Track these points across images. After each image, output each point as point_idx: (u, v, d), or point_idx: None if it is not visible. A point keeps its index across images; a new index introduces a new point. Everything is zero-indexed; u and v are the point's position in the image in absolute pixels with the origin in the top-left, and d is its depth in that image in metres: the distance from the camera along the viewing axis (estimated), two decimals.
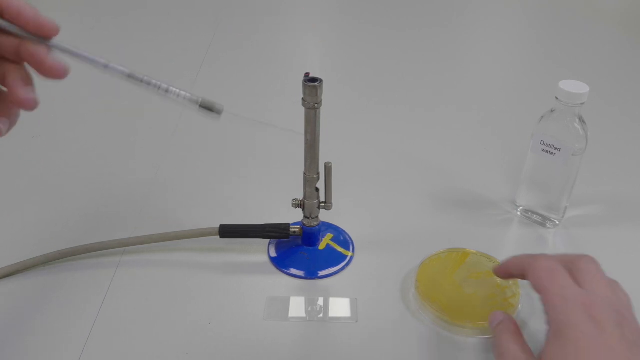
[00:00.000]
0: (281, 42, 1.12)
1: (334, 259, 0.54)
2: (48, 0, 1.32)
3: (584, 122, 0.54)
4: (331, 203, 0.53)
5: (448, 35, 1.17)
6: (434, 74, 0.98)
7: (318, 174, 0.51)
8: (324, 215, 0.55)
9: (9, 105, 0.38)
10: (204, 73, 0.95)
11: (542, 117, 0.55)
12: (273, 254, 0.55)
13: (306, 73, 0.46)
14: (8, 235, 0.57)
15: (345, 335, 0.46)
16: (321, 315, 0.48)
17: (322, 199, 0.53)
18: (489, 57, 1.09)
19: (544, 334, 0.37)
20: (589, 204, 0.63)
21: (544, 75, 0.99)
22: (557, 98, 0.53)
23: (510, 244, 0.58)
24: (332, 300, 0.50)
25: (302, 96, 0.46)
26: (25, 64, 0.38)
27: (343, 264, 0.54)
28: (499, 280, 0.49)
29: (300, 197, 0.53)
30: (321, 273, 0.53)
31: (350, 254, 0.55)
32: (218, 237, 0.54)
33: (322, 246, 0.56)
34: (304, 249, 0.55)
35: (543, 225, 0.59)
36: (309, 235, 0.55)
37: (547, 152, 0.55)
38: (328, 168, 0.50)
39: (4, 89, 0.37)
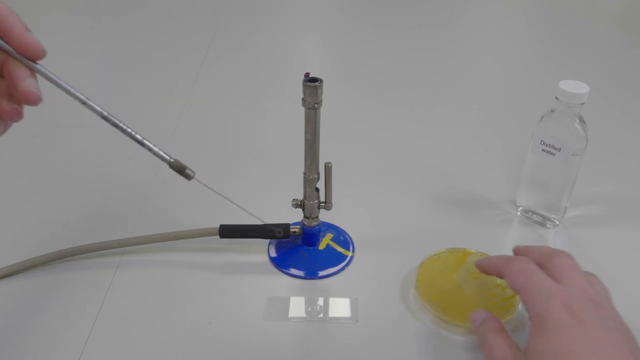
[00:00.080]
0: (281, 42, 1.12)
1: (334, 259, 0.54)
2: (48, 1, 1.32)
3: (584, 122, 0.54)
4: (331, 203, 0.53)
5: (448, 35, 1.17)
6: (434, 74, 0.98)
7: (318, 174, 0.51)
8: (324, 215, 0.55)
9: (3, 112, 0.38)
10: (204, 73, 0.95)
11: (542, 117, 0.55)
12: (273, 254, 0.55)
13: (306, 73, 0.46)
14: (8, 235, 0.57)
15: (345, 335, 0.46)
16: (321, 315, 0.48)
17: (322, 199, 0.53)
18: (489, 57, 1.09)
19: None
20: (589, 204, 0.63)
21: (544, 75, 0.99)
22: (557, 98, 0.53)
23: (510, 244, 0.58)
24: (332, 300, 0.50)
25: (302, 96, 0.46)
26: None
27: (343, 264, 0.54)
28: (499, 280, 0.49)
29: (300, 197, 0.53)
30: (321, 273, 0.53)
31: (350, 254, 0.55)
32: (218, 237, 0.54)
33: (322, 246, 0.56)
34: (304, 249, 0.55)
35: (543, 225, 0.59)
36: (309, 235, 0.55)
37: (547, 152, 0.55)
38: (328, 168, 0.50)
39: None
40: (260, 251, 0.55)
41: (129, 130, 0.41)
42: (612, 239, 0.58)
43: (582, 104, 0.52)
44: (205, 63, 0.99)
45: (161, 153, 0.42)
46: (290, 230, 0.54)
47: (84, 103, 0.39)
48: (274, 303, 0.49)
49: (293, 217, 0.56)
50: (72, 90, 0.39)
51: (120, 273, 0.53)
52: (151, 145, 0.41)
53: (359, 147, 0.74)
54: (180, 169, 0.42)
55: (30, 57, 0.36)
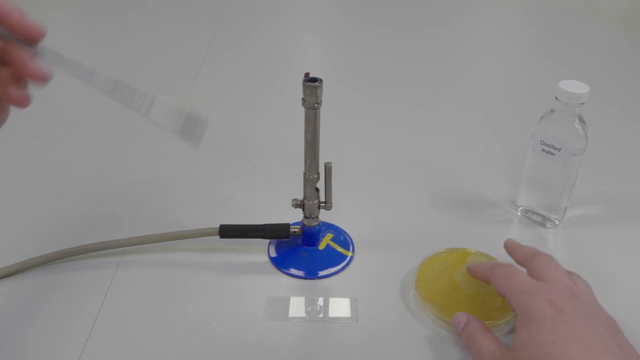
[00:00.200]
0: (281, 42, 1.12)
1: (334, 259, 0.54)
2: (48, 1, 1.32)
3: (584, 122, 0.54)
4: (331, 203, 0.53)
5: (448, 35, 1.17)
6: (434, 74, 0.98)
7: (318, 174, 0.51)
8: (324, 215, 0.55)
9: None
10: (204, 73, 0.95)
11: (542, 117, 0.55)
12: (273, 254, 0.55)
13: (306, 73, 0.46)
14: (7, 235, 0.57)
15: (345, 335, 0.46)
16: (321, 315, 0.48)
17: (322, 199, 0.53)
18: (489, 57, 1.09)
19: None
20: (589, 204, 0.63)
21: (544, 75, 0.99)
22: (557, 98, 0.53)
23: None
24: (332, 300, 0.50)
25: (302, 96, 0.46)
26: None
27: (343, 264, 0.54)
28: None
29: (300, 197, 0.53)
30: (321, 273, 0.53)
31: (350, 254, 0.55)
32: (218, 237, 0.54)
33: (322, 246, 0.56)
34: (304, 249, 0.55)
35: (543, 225, 0.59)
36: (309, 235, 0.55)
37: (547, 152, 0.55)
38: (328, 168, 0.50)
39: None
40: (260, 251, 0.55)
41: (137, 95, 0.39)
42: (612, 239, 0.58)
43: (582, 104, 0.52)
44: (205, 63, 0.99)
45: (166, 125, 0.40)
46: (290, 230, 0.54)
47: (89, 78, 0.38)
48: (274, 303, 0.49)
49: (293, 217, 0.56)
50: (76, 64, 0.38)
51: (120, 273, 0.53)
52: (156, 117, 0.40)
53: (359, 147, 0.74)
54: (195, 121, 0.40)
55: (32, 37, 0.37)
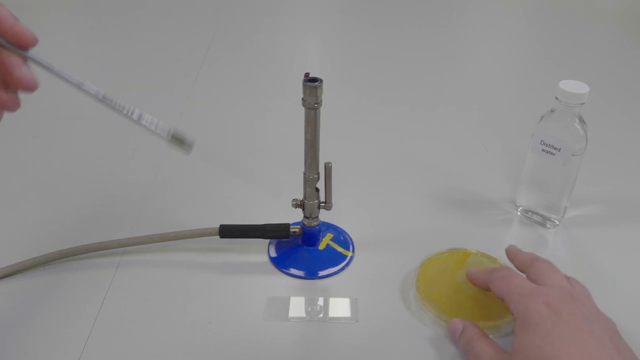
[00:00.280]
0: (281, 42, 1.12)
1: (334, 259, 0.54)
2: (48, 1, 1.32)
3: (584, 122, 0.54)
4: (331, 203, 0.53)
5: (448, 35, 1.17)
6: (434, 74, 0.98)
7: (318, 174, 0.51)
8: (324, 215, 0.55)
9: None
10: (204, 73, 0.95)
11: (542, 117, 0.55)
12: (273, 254, 0.55)
13: (306, 73, 0.46)
14: (6, 234, 0.57)
15: (345, 335, 0.46)
16: (321, 315, 0.48)
17: (322, 199, 0.53)
18: (489, 57, 1.09)
19: None
20: (589, 204, 0.63)
21: (544, 75, 0.99)
22: (557, 98, 0.53)
23: (510, 244, 0.58)
24: (332, 300, 0.50)
25: (302, 96, 0.46)
26: None
27: (343, 264, 0.54)
28: None
29: (300, 197, 0.53)
30: (321, 273, 0.53)
31: (350, 254, 0.55)
32: (218, 237, 0.54)
33: (322, 246, 0.56)
34: (304, 249, 0.55)
35: (543, 225, 0.59)
36: (309, 235, 0.55)
37: (547, 152, 0.55)
38: (328, 168, 0.50)
39: None
40: (260, 251, 0.55)
41: (126, 110, 0.40)
42: (612, 239, 0.58)
43: (582, 104, 0.52)
44: (205, 63, 0.99)
45: (158, 131, 0.41)
46: (290, 230, 0.54)
47: (79, 87, 0.39)
48: (274, 303, 0.49)
49: (293, 217, 0.56)
50: (66, 75, 0.38)
51: (120, 273, 0.53)
52: (147, 124, 0.41)
53: (359, 147, 0.74)
54: (179, 142, 0.41)
55: (23, 44, 0.37)
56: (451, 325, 0.45)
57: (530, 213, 0.60)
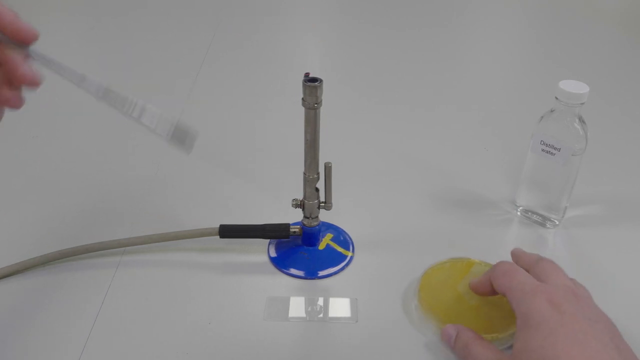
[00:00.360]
0: (281, 42, 1.12)
1: (333, 259, 0.54)
2: (48, 1, 1.32)
3: (583, 122, 0.54)
4: (331, 203, 0.53)
5: (448, 35, 1.17)
6: (434, 74, 0.98)
7: (318, 174, 0.51)
8: (324, 215, 0.55)
9: None
10: (204, 73, 0.95)
11: (542, 117, 0.55)
12: (273, 254, 0.55)
13: (306, 73, 0.46)
14: (6, 234, 0.57)
15: (345, 335, 0.46)
16: (321, 315, 0.48)
17: (322, 199, 0.53)
18: (489, 57, 1.09)
19: None
20: (589, 204, 0.63)
21: (544, 75, 0.99)
22: (557, 98, 0.53)
23: (510, 244, 0.58)
24: (332, 300, 0.50)
25: (302, 96, 0.46)
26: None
27: (343, 264, 0.54)
28: None
29: (300, 197, 0.53)
30: (321, 273, 0.53)
31: (350, 254, 0.55)
32: (218, 237, 0.54)
33: (322, 246, 0.56)
34: (304, 249, 0.55)
35: (543, 225, 0.59)
36: (309, 235, 0.55)
37: (547, 152, 0.55)
38: (328, 168, 0.50)
39: None
40: (260, 251, 0.55)
41: (127, 105, 0.40)
42: (612, 239, 0.58)
43: (582, 104, 0.52)
44: (205, 63, 0.99)
45: (158, 131, 0.41)
46: (290, 230, 0.54)
47: (80, 82, 0.39)
48: (274, 303, 0.49)
49: (293, 217, 0.56)
50: (68, 71, 0.38)
51: (120, 273, 0.53)
52: (147, 123, 0.40)
53: (359, 147, 0.74)
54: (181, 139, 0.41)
55: (24, 40, 0.37)
56: (444, 332, 0.44)
57: (530, 213, 0.60)
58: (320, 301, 0.50)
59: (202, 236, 0.54)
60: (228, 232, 0.54)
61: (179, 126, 0.41)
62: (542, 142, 0.55)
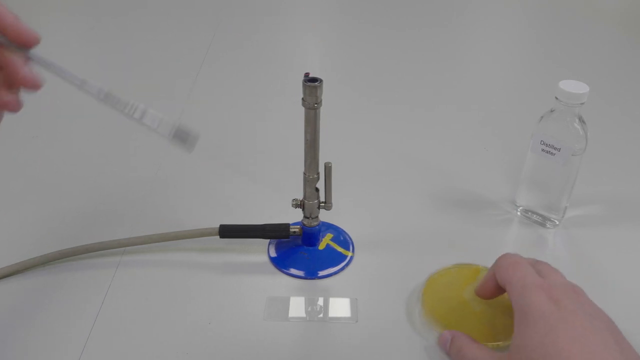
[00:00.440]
0: (281, 42, 1.12)
1: (333, 259, 0.54)
2: (48, 1, 1.32)
3: (583, 122, 0.54)
4: (331, 203, 0.53)
5: (448, 35, 1.17)
6: (434, 74, 0.98)
7: (318, 174, 0.51)
8: (324, 215, 0.55)
9: None
10: (204, 73, 0.95)
11: (542, 117, 0.55)
12: (273, 254, 0.55)
13: (306, 73, 0.46)
14: (6, 235, 0.57)
15: (345, 335, 0.46)
16: (321, 315, 0.48)
17: (322, 199, 0.53)
18: (489, 57, 1.09)
19: None
20: (589, 204, 0.63)
21: (544, 75, 0.99)
22: (557, 98, 0.53)
23: (510, 244, 0.58)
24: (332, 300, 0.50)
25: (302, 96, 0.46)
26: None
27: (343, 264, 0.54)
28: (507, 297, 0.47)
29: (300, 197, 0.53)
30: (321, 273, 0.53)
31: (350, 254, 0.55)
32: (218, 237, 0.54)
33: (322, 246, 0.56)
34: (304, 249, 0.55)
35: (543, 225, 0.59)
36: (309, 235, 0.55)
37: (547, 152, 0.55)
38: (328, 168, 0.50)
39: None
40: (260, 251, 0.55)
41: (128, 108, 0.40)
42: (612, 239, 0.58)
43: (582, 104, 0.52)
44: (205, 63, 0.99)
45: (159, 130, 0.41)
46: (290, 230, 0.54)
47: (81, 86, 0.39)
48: (274, 303, 0.49)
49: (293, 217, 0.56)
50: (68, 74, 0.38)
51: (120, 273, 0.53)
52: (149, 123, 0.41)
53: (359, 147, 0.74)
54: (184, 135, 0.41)
55: (25, 43, 0.37)
56: (441, 337, 0.44)
57: (530, 213, 0.60)
58: (320, 301, 0.50)
59: (202, 236, 0.54)
60: (228, 232, 0.54)
61: (180, 127, 0.41)
62: (542, 142, 0.55)
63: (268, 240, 0.56)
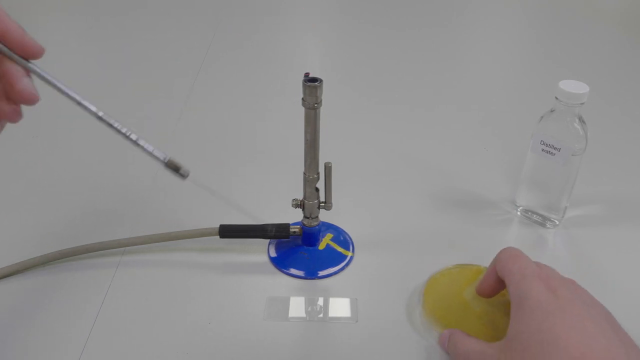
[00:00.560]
0: (281, 42, 1.12)
1: (333, 259, 0.54)
2: (48, 0, 1.32)
3: (583, 122, 0.54)
4: (331, 203, 0.53)
5: (448, 35, 1.17)
6: (434, 74, 0.98)
7: (318, 174, 0.51)
8: (324, 215, 0.55)
9: None
10: (204, 73, 0.95)
11: (542, 117, 0.55)
12: (273, 254, 0.55)
13: (306, 73, 0.46)
14: (7, 235, 0.57)
15: (345, 335, 0.46)
16: (321, 315, 0.48)
17: (322, 199, 0.53)
18: (489, 57, 1.09)
19: None
20: (589, 204, 0.63)
21: (544, 75, 0.99)
22: (557, 98, 0.53)
23: (510, 244, 0.57)
24: (332, 300, 0.50)
25: (302, 96, 0.46)
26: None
27: (343, 264, 0.54)
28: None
29: (300, 197, 0.53)
30: (321, 273, 0.53)
31: (350, 254, 0.55)
32: (218, 237, 0.54)
33: (322, 246, 0.56)
34: (304, 249, 0.55)
35: (543, 225, 0.59)
36: (309, 235, 0.55)
37: (547, 152, 0.55)
38: (328, 168, 0.50)
39: None
40: (260, 251, 0.55)
41: (124, 131, 0.41)
42: (612, 239, 0.58)
43: (582, 104, 0.52)
44: (205, 63, 0.99)
45: (155, 153, 0.42)
46: (290, 230, 0.54)
47: (78, 103, 0.39)
48: (274, 303, 0.49)
49: (293, 217, 0.56)
50: (66, 90, 0.39)
51: (120, 273, 0.53)
52: (145, 146, 0.41)
53: (359, 147, 0.74)
54: (174, 168, 0.42)
55: (30, 55, 0.37)
56: (441, 337, 0.45)
57: (530, 213, 0.60)
58: (320, 301, 0.50)
59: (202, 236, 0.54)
60: (228, 232, 0.54)
61: (172, 159, 0.42)
62: (542, 142, 0.55)
63: (268, 240, 0.56)
